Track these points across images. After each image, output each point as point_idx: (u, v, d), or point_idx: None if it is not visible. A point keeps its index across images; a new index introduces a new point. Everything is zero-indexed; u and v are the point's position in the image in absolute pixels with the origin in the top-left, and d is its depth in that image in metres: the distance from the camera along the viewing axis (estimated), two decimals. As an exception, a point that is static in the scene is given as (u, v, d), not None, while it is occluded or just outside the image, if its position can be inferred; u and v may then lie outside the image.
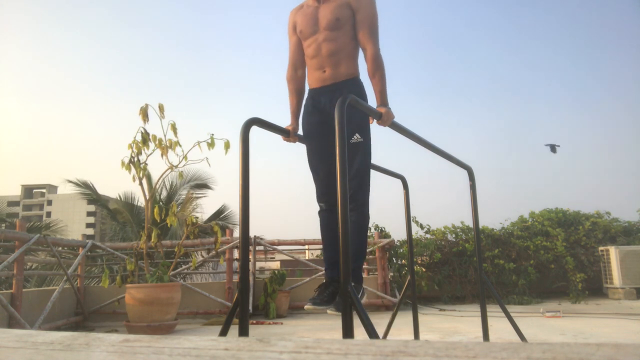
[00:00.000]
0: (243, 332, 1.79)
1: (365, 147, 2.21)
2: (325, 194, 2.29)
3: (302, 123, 2.43)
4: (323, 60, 2.28)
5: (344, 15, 2.24)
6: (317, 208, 2.39)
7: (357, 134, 2.19)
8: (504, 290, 7.02)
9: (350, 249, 2.16)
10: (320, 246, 7.05)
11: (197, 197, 10.03)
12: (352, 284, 2.17)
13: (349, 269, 1.58)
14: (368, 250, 6.38)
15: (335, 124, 1.69)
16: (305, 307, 2.12)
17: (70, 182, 9.73)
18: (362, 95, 2.30)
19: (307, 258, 8.66)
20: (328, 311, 2.08)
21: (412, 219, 4.29)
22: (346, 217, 1.61)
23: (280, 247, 6.42)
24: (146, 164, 4.81)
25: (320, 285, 2.22)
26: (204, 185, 10.06)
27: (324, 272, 2.42)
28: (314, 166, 2.35)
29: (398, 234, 7.06)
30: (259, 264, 6.81)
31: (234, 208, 10.36)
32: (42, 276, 8.19)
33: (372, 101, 2.27)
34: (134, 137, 4.74)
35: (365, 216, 2.22)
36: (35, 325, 4.19)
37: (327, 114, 2.22)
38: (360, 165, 2.18)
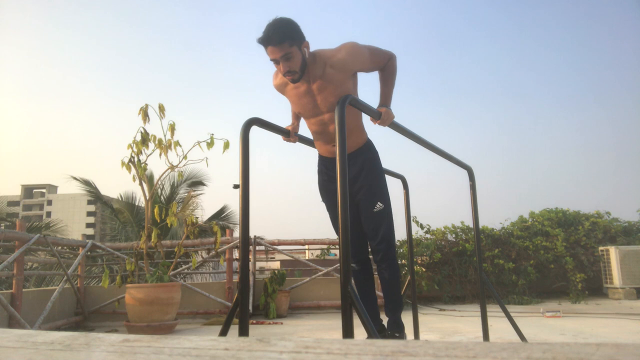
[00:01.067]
0: (243, 332, 1.79)
1: (388, 213, 2.31)
2: (355, 254, 2.42)
3: (320, 189, 2.46)
4: (331, 135, 2.25)
5: (346, 90, 2.12)
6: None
7: (379, 202, 2.27)
8: (504, 290, 7.02)
9: (389, 302, 2.40)
10: (320, 246, 7.07)
11: (196, 196, 10.03)
12: (396, 334, 2.32)
13: (349, 269, 1.58)
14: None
15: (335, 125, 1.69)
16: None
17: (75, 179, 9.72)
18: (376, 155, 2.34)
19: (307, 258, 8.66)
20: None
21: (412, 219, 4.29)
22: (346, 215, 1.61)
23: (280, 247, 6.42)
24: (146, 164, 4.82)
25: None
26: (198, 183, 10.07)
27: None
28: (336, 229, 2.41)
29: (398, 234, 7.05)
30: (259, 264, 6.81)
31: (234, 208, 10.38)
32: (41, 276, 8.19)
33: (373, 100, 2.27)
34: (134, 137, 4.74)
35: (397, 271, 2.36)
36: (35, 325, 4.19)
37: None
38: (386, 230, 2.29)
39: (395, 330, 2.37)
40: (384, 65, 2.21)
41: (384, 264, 2.30)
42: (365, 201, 2.26)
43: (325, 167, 2.38)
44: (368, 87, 2.51)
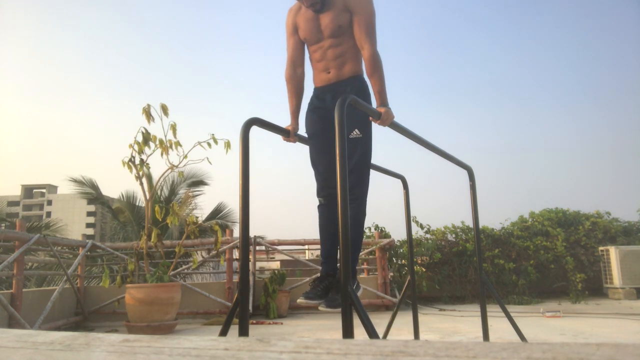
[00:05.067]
0: (243, 332, 1.79)
1: (364, 143, 2.23)
2: (324, 187, 2.32)
3: (305, 120, 2.46)
4: (328, 63, 2.34)
5: (345, 21, 2.27)
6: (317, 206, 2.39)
7: (356, 130, 2.21)
8: (504, 290, 7.02)
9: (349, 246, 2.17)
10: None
11: (195, 196, 10.03)
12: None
13: (349, 269, 1.57)
14: (368, 250, 6.38)
15: (335, 122, 1.69)
16: (298, 300, 2.14)
17: (75, 180, 9.61)
18: (365, 91, 2.33)
19: (307, 258, 8.66)
20: (320, 307, 2.08)
21: (412, 218, 4.29)
22: (346, 214, 1.61)
23: (280, 247, 6.42)
24: (147, 164, 4.82)
25: (315, 279, 2.22)
26: (200, 182, 10.06)
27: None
28: (314, 162, 2.38)
29: (398, 234, 7.07)
30: (259, 264, 6.81)
31: (232, 206, 10.36)
32: (41, 276, 8.19)
33: (373, 99, 2.27)
34: (135, 137, 4.74)
35: (362, 211, 2.23)
36: (35, 325, 4.19)
37: (329, 111, 2.25)
38: (358, 160, 2.21)
39: None
40: (363, 43, 2.25)
41: (349, 197, 2.16)
42: None
43: (315, 96, 2.41)
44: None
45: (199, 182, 10.05)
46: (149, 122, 4.69)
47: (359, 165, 2.21)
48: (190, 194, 9.62)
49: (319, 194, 2.35)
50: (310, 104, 2.44)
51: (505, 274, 7.05)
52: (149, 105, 4.72)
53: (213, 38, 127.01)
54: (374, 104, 2.27)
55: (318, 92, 2.41)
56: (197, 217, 5.18)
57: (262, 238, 6.14)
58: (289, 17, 2.46)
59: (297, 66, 2.46)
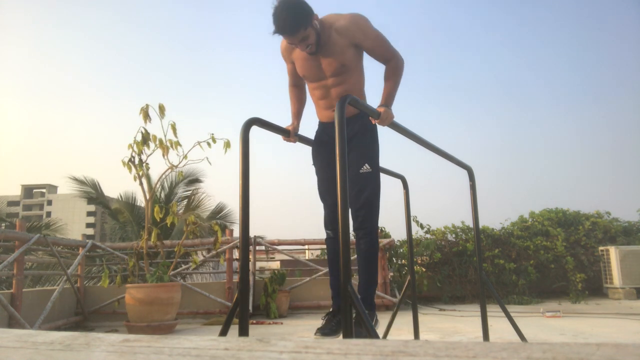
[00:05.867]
0: (243, 332, 1.79)
1: (374, 177, 2.22)
2: (332, 220, 2.30)
3: (312, 153, 2.44)
4: (333, 100, 2.26)
5: (349, 58, 2.17)
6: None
7: (366, 164, 2.20)
8: (504, 290, 7.02)
9: (361, 277, 2.21)
10: (321, 246, 7.07)
11: (195, 194, 10.02)
12: (366, 311, 2.18)
13: (349, 268, 1.57)
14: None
15: (335, 124, 1.69)
16: (314, 336, 2.11)
17: (76, 179, 9.58)
18: (372, 124, 2.30)
19: (307, 258, 8.66)
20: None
21: (412, 218, 4.28)
22: (346, 215, 1.61)
23: (280, 247, 6.42)
24: (147, 164, 4.81)
25: (328, 313, 2.21)
26: (195, 180, 10.05)
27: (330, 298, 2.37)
28: (322, 195, 2.37)
29: (398, 233, 7.07)
30: (259, 264, 6.81)
31: (232, 206, 10.36)
32: (38, 276, 8.17)
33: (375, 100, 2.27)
34: (134, 137, 4.74)
35: (375, 244, 2.22)
36: (35, 325, 4.19)
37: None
38: (370, 194, 2.19)
39: (366, 307, 2.32)
40: (388, 59, 2.21)
41: (362, 232, 2.18)
42: (353, 161, 2.19)
43: (323, 130, 2.37)
44: (372, 86, 2.51)
45: (194, 180, 10.04)
46: (145, 122, 4.69)
47: (371, 199, 2.20)
48: (194, 194, 9.62)
49: (327, 227, 2.34)
50: (317, 138, 2.41)
51: (505, 274, 7.05)
52: (147, 105, 4.72)
53: (213, 38, 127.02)
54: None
55: (324, 126, 2.37)
56: (197, 217, 5.17)
57: (262, 238, 6.14)
58: (283, 47, 2.36)
59: (298, 82, 2.45)
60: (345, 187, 1.64)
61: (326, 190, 2.33)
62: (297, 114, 2.47)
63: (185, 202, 9.93)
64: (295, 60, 2.31)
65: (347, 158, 2.18)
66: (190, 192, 10.03)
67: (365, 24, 2.15)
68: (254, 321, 5.15)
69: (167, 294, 4.50)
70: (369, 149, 2.22)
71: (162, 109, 4.77)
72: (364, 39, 2.16)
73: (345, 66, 2.19)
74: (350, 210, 2.19)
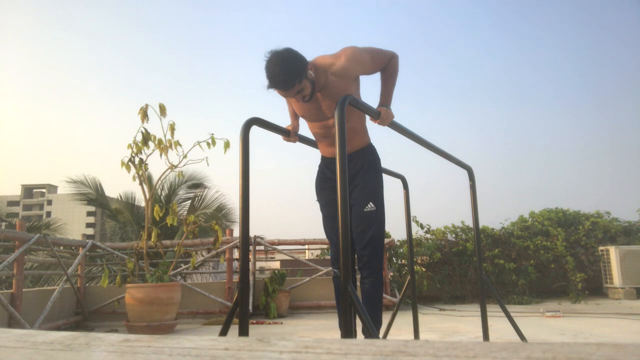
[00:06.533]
0: (243, 332, 1.79)
1: (379, 215, 2.22)
2: (336, 259, 2.30)
3: (315, 187, 2.44)
4: (335, 139, 2.27)
5: (351, 93, 2.13)
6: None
7: (370, 203, 2.20)
8: (504, 290, 7.02)
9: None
10: (321, 246, 7.07)
11: (196, 195, 10.01)
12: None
13: (349, 267, 1.57)
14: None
15: (335, 124, 1.69)
16: None
17: (75, 180, 9.49)
18: (376, 156, 2.32)
19: (307, 258, 8.66)
20: None
21: (412, 218, 4.28)
22: (346, 217, 1.61)
23: (280, 247, 6.42)
24: (146, 164, 4.81)
25: None
26: (199, 185, 10.03)
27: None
28: (328, 232, 2.37)
29: (398, 233, 7.07)
30: (259, 264, 6.81)
31: (232, 206, 10.35)
32: (38, 276, 8.17)
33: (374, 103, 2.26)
34: (134, 137, 4.74)
35: (380, 284, 2.22)
36: (35, 325, 4.19)
37: None
38: (374, 233, 2.19)
39: None
40: (386, 65, 2.21)
41: (366, 272, 2.18)
42: (357, 200, 2.20)
43: (326, 166, 2.37)
44: (369, 87, 2.51)
45: (199, 185, 10.03)
46: (142, 122, 4.68)
47: (376, 237, 2.20)
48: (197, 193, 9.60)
49: (334, 265, 2.33)
50: (321, 173, 2.41)
51: (505, 274, 7.05)
52: (146, 105, 4.72)
53: (213, 38, 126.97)
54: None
55: (328, 162, 2.37)
56: (196, 217, 5.17)
57: (262, 238, 6.13)
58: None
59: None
60: (346, 188, 1.64)
61: (331, 228, 2.34)
62: (295, 114, 2.47)
63: (187, 203, 9.92)
64: (293, 103, 2.30)
65: (351, 196, 2.19)
66: (193, 194, 10.01)
67: (359, 55, 2.11)
68: (254, 321, 5.15)
69: (167, 293, 4.50)
70: (373, 186, 2.23)
71: (162, 108, 4.77)
72: (364, 69, 2.16)
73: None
74: (355, 247, 2.21)
